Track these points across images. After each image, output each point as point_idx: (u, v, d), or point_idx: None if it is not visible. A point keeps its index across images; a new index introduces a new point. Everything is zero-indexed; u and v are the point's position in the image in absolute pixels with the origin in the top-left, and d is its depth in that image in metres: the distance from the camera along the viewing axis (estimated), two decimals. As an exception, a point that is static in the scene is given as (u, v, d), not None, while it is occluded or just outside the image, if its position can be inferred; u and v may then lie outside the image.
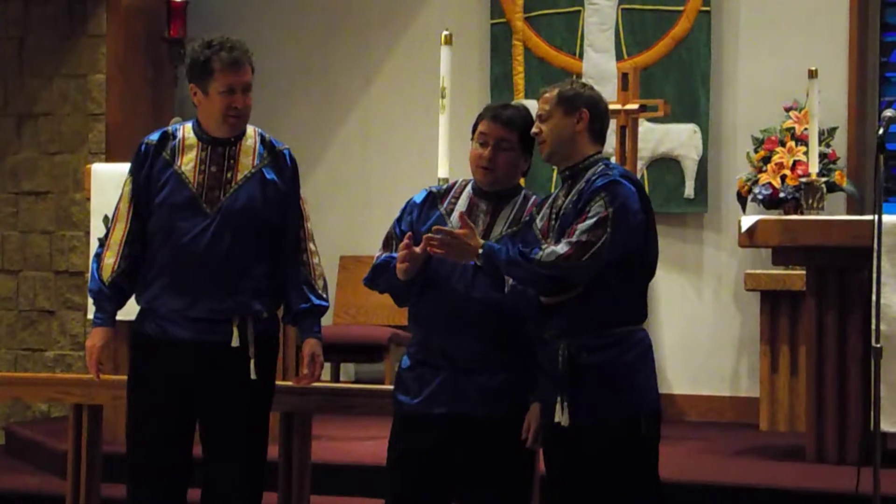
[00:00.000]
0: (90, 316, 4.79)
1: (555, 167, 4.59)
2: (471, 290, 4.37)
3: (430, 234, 4.26)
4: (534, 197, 4.50)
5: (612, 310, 4.21)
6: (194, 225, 4.59)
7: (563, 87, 4.36)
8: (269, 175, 4.69)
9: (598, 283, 4.18)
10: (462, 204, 4.47)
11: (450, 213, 4.48)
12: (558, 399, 4.17)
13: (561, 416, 4.18)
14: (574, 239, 4.13)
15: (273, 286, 4.70)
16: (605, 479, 4.20)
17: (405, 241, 4.35)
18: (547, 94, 4.35)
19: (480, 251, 4.22)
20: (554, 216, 4.29)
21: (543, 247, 4.19)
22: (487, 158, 4.40)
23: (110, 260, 4.68)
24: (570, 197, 4.26)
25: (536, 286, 4.22)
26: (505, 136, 4.40)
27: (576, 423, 4.18)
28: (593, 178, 4.24)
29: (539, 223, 4.34)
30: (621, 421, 4.19)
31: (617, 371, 4.20)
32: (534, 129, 4.35)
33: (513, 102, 4.65)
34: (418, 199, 4.56)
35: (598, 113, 4.34)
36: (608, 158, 4.39)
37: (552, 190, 4.33)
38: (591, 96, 4.36)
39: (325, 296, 4.77)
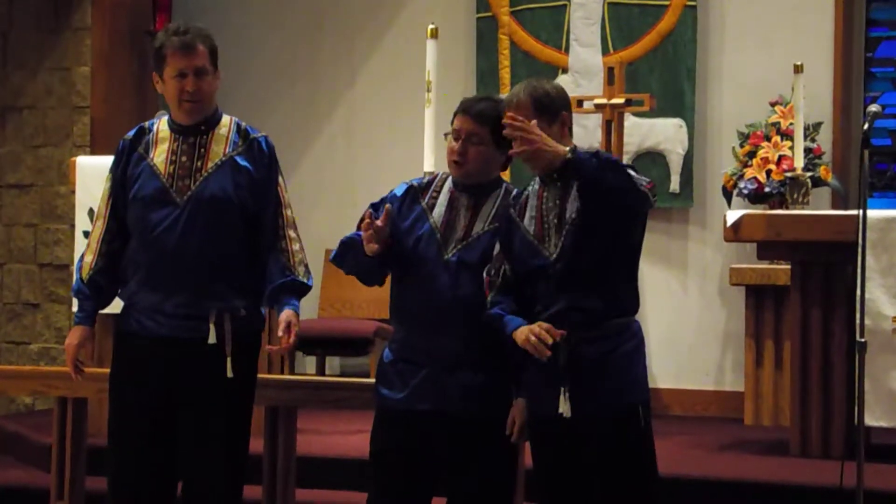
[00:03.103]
0: (75, 309, 4.76)
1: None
2: (455, 289, 4.35)
3: (510, 119, 4.07)
4: (515, 191, 4.46)
5: (610, 301, 4.21)
6: (165, 216, 4.52)
7: (535, 91, 4.24)
8: (242, 162, 4.59)
9: (594, 277, 4.19)
10: (443, 199, 4.45)
11: (431, 207, 4.45)
12: (561, 391, 4.17)
13: (564, 407, 4.17)
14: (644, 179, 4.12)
15: (254, 281, 4.62)
16: (606, 469, 4.20)
17: (366, 217, 4.31)
18: (518, 103, 4.22)
19: (569, 156, 4.05)
20: (554, 220, 4.23)
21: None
22: (458, 152, 4.38)
23: (88, 258, 4.65)
24: (569, 198, 4.20)
25: (621, 196, 4.08)
26: (475, 131, 4.36)
27: (576, 415, 4.17)
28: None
29: (528, 226, 4.29)
30: (622, 412, 4.20)
31: (616, 362, 4.20)
32: (514, 146, 4.21)
33: (494, 95, 4.59)
34: (399, 191, 4.51)
35: (570, 108, 4.33)
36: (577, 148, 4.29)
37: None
38: (563, 95, 4.31)
39: (305, 279, 4.64)
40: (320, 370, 8.32)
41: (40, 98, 8.61)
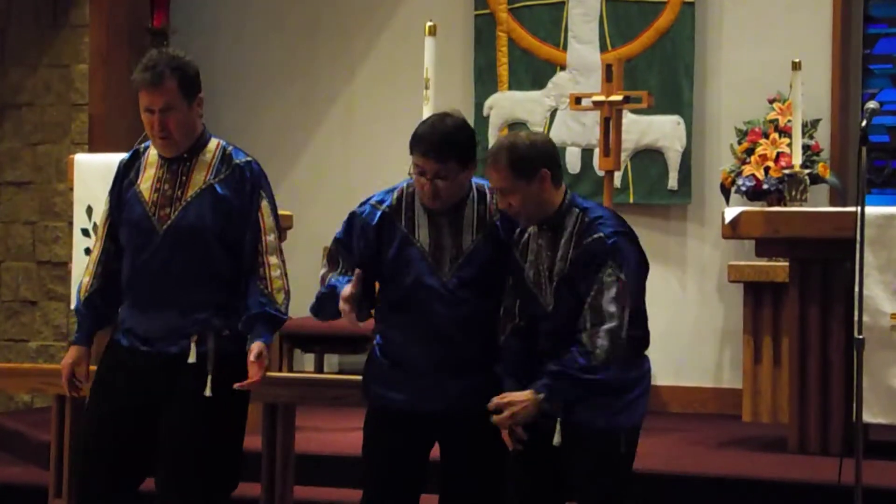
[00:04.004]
0: (73, 306, 4.76)
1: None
2: (457, 309, 4.33)
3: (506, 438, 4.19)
4: (488, 191, 4.41)
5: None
6: (147, 243, 4.53)
7: (511, 153, 4.20)
8: (222, 190, 4.54)
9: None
10: (421, 220, 4.39)
11: (412, 230, 4.38)
12: (556, 420, 4.17)
13: (557, 438, 4.17)
14: (607, 326, 4.10)
15: (238, 302, 4.57)
16: (580, 481, 4.23)
17: (348, 292, 4.28)
18: (496, 167, 4.21)
19: (541, 398, 4.13)
20: (546, 272, 4.23)
21: (582, 348, 4.10)
22: (430, 193, 4.31)
23: (86, 279, 4.67)
24: (558, 253, 4.21)
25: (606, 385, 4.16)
26: (440, 170, 4.29)
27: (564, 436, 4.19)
28: (582, 234, 4.19)
29: (529, 272, 4.27)
30: (604, 430, 4.20)
31: (613, 390, 4.19)
32: (501, 205, 4.26)
33: (444, 118, 4.40)
34: (371, 220, 4.42)
35: (554, 162, 4.27)
36: (569, 194, 4.31)
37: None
38: (542, 150, 4.25)
39: (281, 308, 4.57)
40: (319, 367, 8.31)
41: (39, 95, 8.60)
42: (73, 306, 4.74)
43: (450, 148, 4.28)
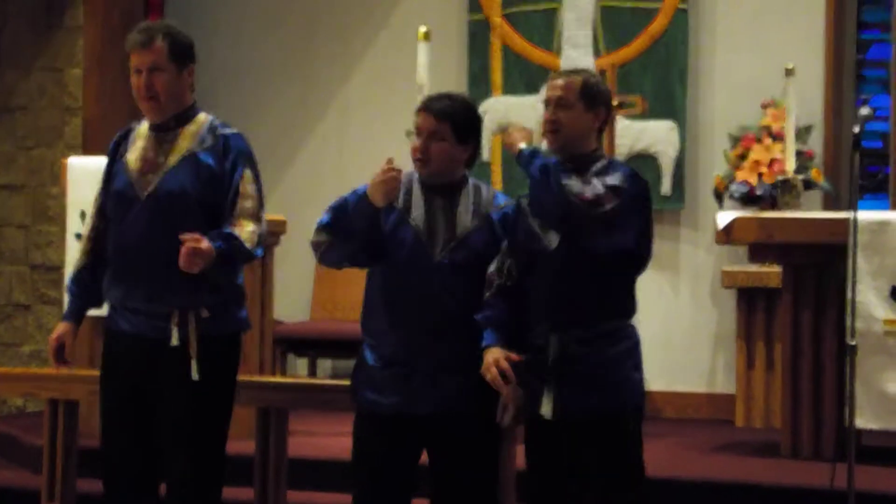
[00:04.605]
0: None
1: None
2: (449, 292, 4.35)
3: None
4: (484, 187, 4.49)
5: (602, 303, 4.22)
6: (129, 211, 4.52)
7: (588, 78, 4.33)
8: (206, 159, 4.53)
9: (591, 275, 4.19)
10: (418, 201, 4.44)
11: (407, 210, 4.43)
12: (544, 391, 4.17)
13: (546, 408, 4.18)
14: (600, 189, 4.14)
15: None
16: (591, 472, 4.21)
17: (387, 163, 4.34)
18: (568, 82, 4.31)
19: (522, 147, 4.25)
20: None
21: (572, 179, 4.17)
22: (419, 149, 4.41)
23: (79, 256, 4.69)
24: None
25: (551, 210, 4.19)
26: (436, 128, 4.38)
27: (561, 417, 4.18)
28: (604, 166, 4.26)
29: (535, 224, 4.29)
30: (609, 415, 4.20)
31: (603, 365, 4.21)
32: (548, 115, 4.31)
33: (456, 93, 4.57)
34: None
35: (609, 114, 4.40)
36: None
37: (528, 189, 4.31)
38: (608, 98, 4.38)
39: (246, 245, 4.45)
40: (312, 372, 8.31)
41: (32, 98, 8.59)
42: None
43: (449, 111, 4.39)
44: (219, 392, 4.58)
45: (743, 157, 8.03)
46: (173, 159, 4.54)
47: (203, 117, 4.64)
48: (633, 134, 8.30)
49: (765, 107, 8.11)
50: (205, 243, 4.35)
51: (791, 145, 7.24)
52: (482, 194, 4.47)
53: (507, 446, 4.59)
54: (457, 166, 4.45)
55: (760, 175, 7.94)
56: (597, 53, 8.39)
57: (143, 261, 4.49)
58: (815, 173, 7.92)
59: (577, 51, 8.47)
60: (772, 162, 7.93)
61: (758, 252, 6.70)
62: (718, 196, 8.08)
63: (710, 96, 8.36)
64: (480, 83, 8.62)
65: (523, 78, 8.59)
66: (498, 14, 8.62)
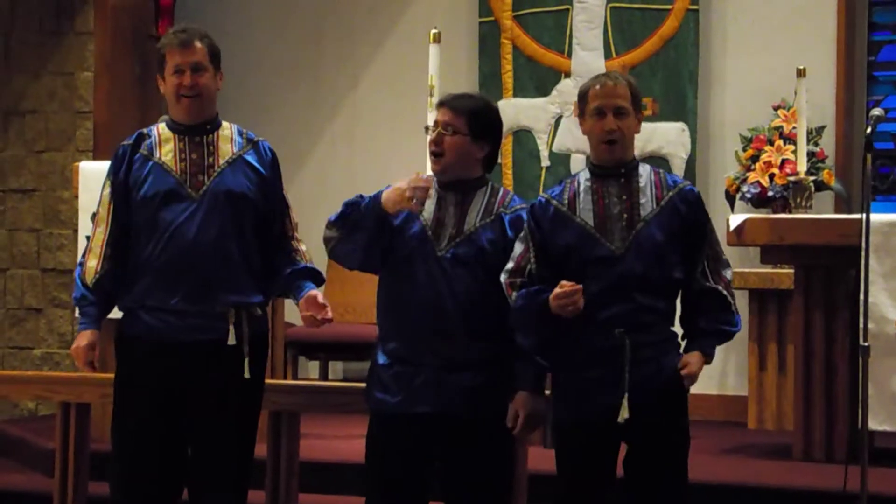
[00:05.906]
0: (78, 314, 4.73)
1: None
2: (451, 286, 4.35)
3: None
4: (502, 189, 4.50)
5: (666, 307, 4.30)
6: (181, 212, 4.50)
7: (632, 84, 4.34)
8: (252, 161, 4.63)
9: (663, 278, 4.25)
10: (431, 198, 4.44)
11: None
12: (624, 395, 4.17)
13: (625, 412, 4.18)
14: (729, 276, 4.41)
15: (263, 281, 4.62)
16: (669, 469, 4.33)
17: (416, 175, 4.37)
18: (619, 86, 4.29)
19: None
20: (623, 213, 4.25)
21: (725, 302, 4.36)
22: (434, 141, 4.44)
23: (93, 263, 4.60)
24: (639, 198, 4.29)
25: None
26: (451, 121, 4.41)
27: (629, 420, 4.20)
28: (663, 183, 4.33)
29: (586, 219, 4.25)
30: (679, 414, 4.32)
31: (670, 368, 4.25)
32: (608, 125, 4.27)
33: (477, 93, 4.66)
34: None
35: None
36: None
37: (541, 190, 4.33)
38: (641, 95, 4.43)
39: (312, 265, 4.71)
40: (323, 375, 8.31)
41: (43, 102, 8.61)
42: (74, 294, 4.68)
43: (467, 107, 4.43)
44: (259, 390, 4.67)
45: (754, 158, 8.02)
46: (222, 160, 4.59)
47: (227, 124, 4.71)
48: (644, 136, 8.22)
49: (776, 108, 8.10)
50: (327, 311, 4.58)
51: (802, 147, 7.23)
52: (498, 196, 4.47)
53: (518, 448, 4.58)
54: (472, 164, 4.46)
55: (772, 177, 7.93)
56: (607, 55, 8.39)
57: (201, 259, 4.49)
58: (827, 175, 7.91)
59: (587, 52, 8.46)
60: (783, 163, 7.91)
61: (769, 253, 6.69)
62: (730, 198, 8.07)
63: (720, 98, 8.35)
64: (491, 85, 8.61)
65: (534, 80, 8.59)
66: (508, 16, 8.62)
